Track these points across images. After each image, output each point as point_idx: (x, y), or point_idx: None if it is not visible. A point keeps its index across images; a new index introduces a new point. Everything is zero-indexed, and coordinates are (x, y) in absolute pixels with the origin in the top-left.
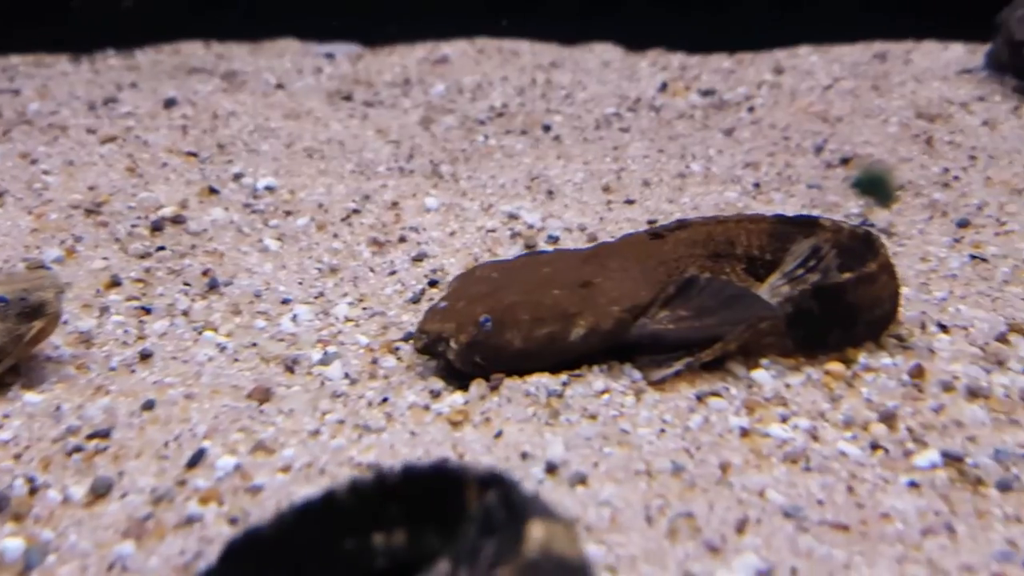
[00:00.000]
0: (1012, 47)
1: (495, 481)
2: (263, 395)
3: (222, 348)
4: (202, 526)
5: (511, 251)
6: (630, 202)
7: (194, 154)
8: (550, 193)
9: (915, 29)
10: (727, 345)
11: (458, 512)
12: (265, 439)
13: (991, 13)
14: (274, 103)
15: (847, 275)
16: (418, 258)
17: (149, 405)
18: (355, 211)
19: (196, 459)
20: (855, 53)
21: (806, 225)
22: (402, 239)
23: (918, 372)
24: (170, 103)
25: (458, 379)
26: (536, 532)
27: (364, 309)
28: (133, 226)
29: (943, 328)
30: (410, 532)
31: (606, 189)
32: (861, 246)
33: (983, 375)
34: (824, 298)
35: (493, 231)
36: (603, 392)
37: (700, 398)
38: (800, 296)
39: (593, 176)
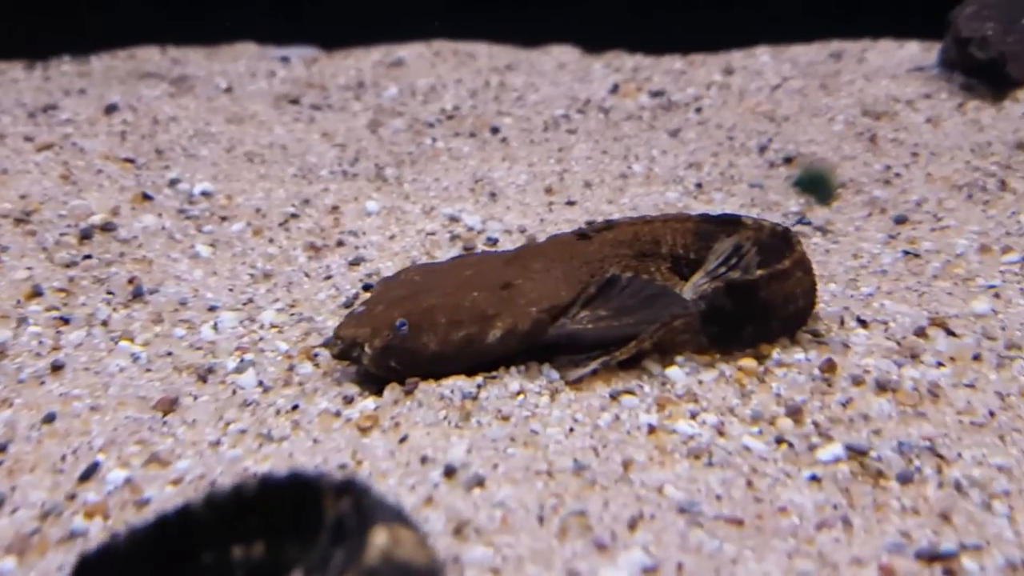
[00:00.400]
0: (959, 44)
1: (349, 488)
2: (168, 406)
3: (135, 358)
4: (85, 541)
5: (450, 254)
6: (571, 203)
7: (131, 160)
8: (493, 195)
9: (878, 28)
10: (641, 343)
11: (316, 521)
12: (161, 451)
13: (949, 11)
14: (217, 107)
15: (759, 272)
16: (355, 262)
17: (50, 418)
18: (293, 216)
19: (89, 472)
20: (810, 53)
21: (729, 224)
22: (340, 243)
23: (829, 367)
24: (111, 109)
25: (375, 384)
26: (379, 539)
27: (292, 315)
28: (62, 235)
29: (862, 323)
30: (269, 544)
31: (548, 191)
32: (780, 243)
33: (894, 369)
34: (737, 295)
35: (433, 234)
36: (518, 393)
37: (614, 396)
38: (713, 293)
39: (536, 178)
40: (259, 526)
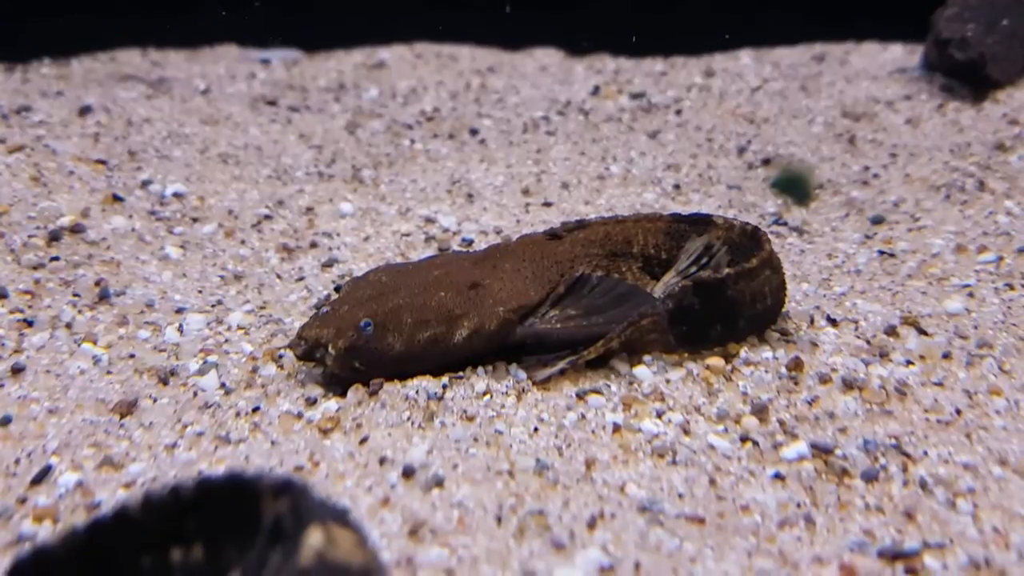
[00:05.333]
0: (939, 45)
1: (287, 489)
2: (127, 408)
3: (97, 360)
4: (32, 545)
5: (424, 255)
6: (548, 204)
7: (103, 162)
8: (470, 196)
9: (863, 30)
10: (609, 343)
11: (254, 522)
12: (115, 454)
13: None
14: (191, 108)
15: (726, 271)
16: (328, 264)
17: (6, 420)
18: (267, 217)
19: (41, 476)
20: (793, 55)
21: (700, 223)
22: (314, 245)
23: (795, 365)
24: (85, 111)
25: (339, 385)
26: (313, 540)
27: (261, 317)
28: (30, 236)
29: (832, 322)
30: (207, 546)
31: (525, 192)
32: (749, 242)
33: (862, 367)
34: (704, 294)
35: (408, 235)
36: (484, 393)
37: (580, 396)
38: (681, 292)
39: (514, 179)
40: (197, 528)
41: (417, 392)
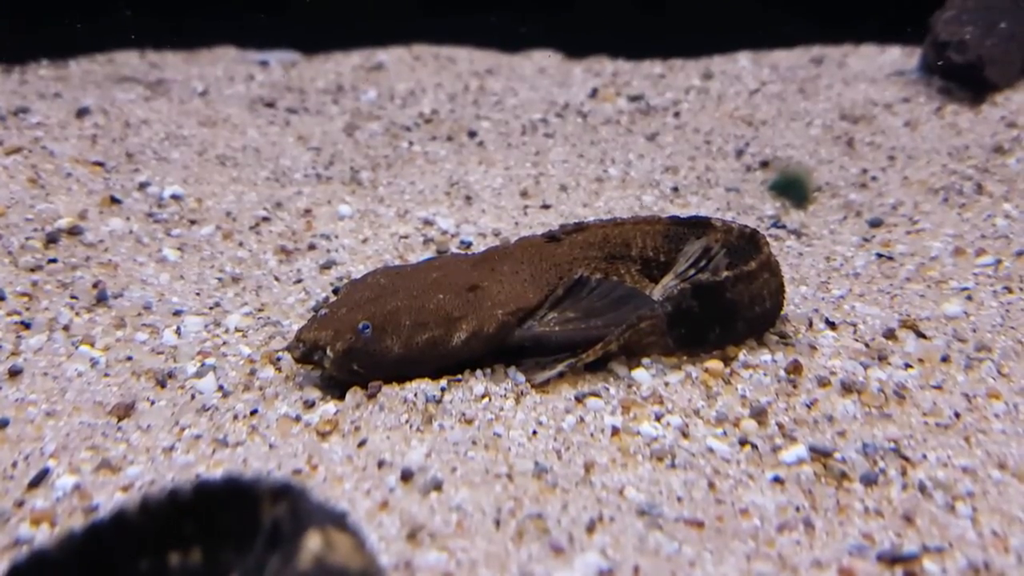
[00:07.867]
0: (937, 48)
1: (285, 492)
2: (124, 411)
3: (94, 363)
4: (30, 548)
5: (423, 257)
6: (546, 206)
7: (101, 163)
8: (468, 198)
9: (862, 33)
10: (608, 346)
11: (252, 526)
12: (113, 457)
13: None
14: (189, 110)
15: (725, 274)
16: (326, 266)
17: (3, 423)
18: (265, 219)
19: (39, 479)
20: (791, 58)
21: (698, 226)
22: (312, 247)
23: (794, 368)
24: (83, 112)
25: (337, 388)
26: (312, 543)
27: (259, 319)
28: (27, 239)
29: (831, 325)
30: (205, 549)
31: (524, 194)
32: (748, 244)
33: (860, 370)
34: (703, 296)
35: (406, 237)
36: (483, 396)
37: (579, 399)
38: (680, 295)
39: (512, 181)
40: (196, 532)
41: (415, 395)
